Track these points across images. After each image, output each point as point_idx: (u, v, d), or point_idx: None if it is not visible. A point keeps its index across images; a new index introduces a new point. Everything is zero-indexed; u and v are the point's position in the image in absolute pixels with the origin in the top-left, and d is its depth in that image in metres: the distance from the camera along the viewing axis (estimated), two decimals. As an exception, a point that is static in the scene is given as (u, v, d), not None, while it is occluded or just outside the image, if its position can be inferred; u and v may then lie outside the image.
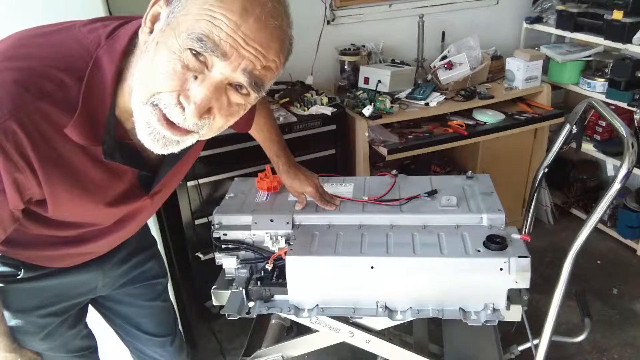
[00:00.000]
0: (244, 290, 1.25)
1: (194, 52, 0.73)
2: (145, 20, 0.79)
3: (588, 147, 2.80)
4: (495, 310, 1.17)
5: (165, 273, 1.42)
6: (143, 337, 1.38)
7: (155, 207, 1.11)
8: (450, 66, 2.57)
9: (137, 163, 0.93)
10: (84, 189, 0.89)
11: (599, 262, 2.68)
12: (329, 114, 2.25)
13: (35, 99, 0.78)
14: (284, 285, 1.21)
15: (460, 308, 1.18)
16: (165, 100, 0.76)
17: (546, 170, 1.59)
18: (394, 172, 1.50)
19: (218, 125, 0.82)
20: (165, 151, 0.82)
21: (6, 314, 1.08)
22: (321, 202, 1.35)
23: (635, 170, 2.12)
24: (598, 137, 2.80)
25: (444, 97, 2.49)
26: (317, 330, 1.36)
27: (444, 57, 2.62)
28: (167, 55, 0.74)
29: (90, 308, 1.32)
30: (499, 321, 1.16)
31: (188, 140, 0.82)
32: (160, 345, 1.41)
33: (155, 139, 0.80)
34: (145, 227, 1.35)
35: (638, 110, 2.44)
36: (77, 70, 0.80)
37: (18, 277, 1.06)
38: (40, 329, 1.14)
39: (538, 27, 2.93)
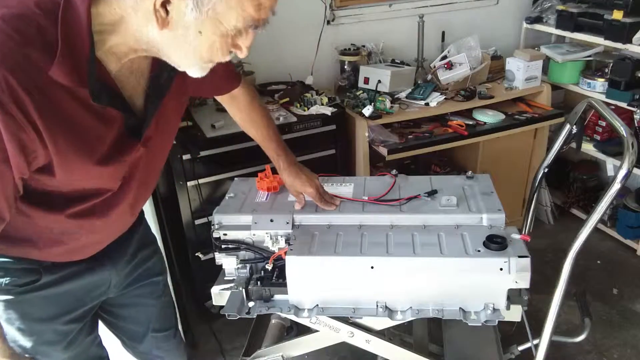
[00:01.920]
0: (244, 290, 1.25)
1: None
2: (155, 8, 0.80)
3: (588, 147, 2.80)
4: (495, 310, 1.17)
5: (166, 269, 1.43)
6: (149, 336, 1.38)
7: (153, 162, 1.10)
8: (450, 66, 2.57)
9: (124, 107, 0.94)
10: (82, 139, 0.89)
11: (599, 262, 2.68)
12: (329, 114, 2.25)
13: (20, 46, 0.78)
14: (284, 285, 1.21)
15: (460, 308, 1.18)
16: (221, 58, 0.90)
17: (546, 170, 1.59)
18: (394, 172, 1.50)
19: None
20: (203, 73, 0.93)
21: (28, 325, 1.09)
22: (321, 202, 1.35)
23: (635, 170, 2.12)
24: (598, 137, 2.80)
25: (444, 97, 2.49)
26: (317, 330, 1.36)
27: (444, 57, 2.62)
28: (219, 38, 0.85)
29: None
30: (499, 321, 1.16)
31: None
32: (164, 339, 1.42)
33: (202, 72, 0.92)
34: (146, 224, 1.35)
35: (638, 110, 2.44)
36: (51, 12, 0.80)
37: (39, 283, 1.06)
38: (63, 336, 1.15)
39: (538, 27, 2.93)
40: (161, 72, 0.97)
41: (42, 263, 1.07)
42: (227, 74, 1.27)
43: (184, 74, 0.94)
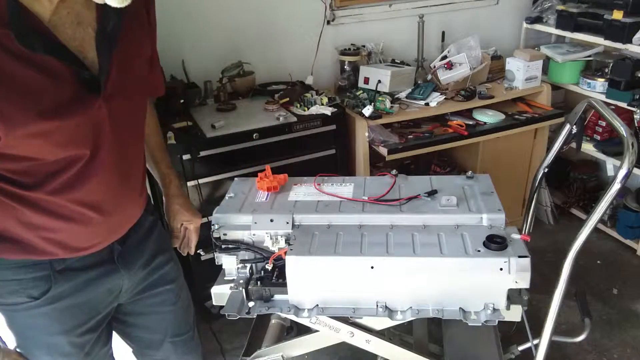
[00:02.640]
0: (244, 290, 1.25)
1: None
2: None
3: (588, 147, 2.80)
4: (495, 310, 1.17)
5: (181, 274, 1.38)
6: (167, 342, 1.35)
7: (125, 124, 1.03)
8: (450, 66, 2.57)
9: (67, 57, 0.89)
10: (17, 90, 0.84)
11: (599, 262, 2.68)
12: (329, 114, 2.25)
13: None
14: (284, 285, 1.21)
15: (460, 308, 1.18)
16: None
17: (546, 170, 1.59)
18: (394, 172, 1.50)
19: None
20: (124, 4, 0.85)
21: (45, 338, 1.08)
22: (195, 241, 1.36)
23: (635, 170, 2.13)
24: (598, 137, 2.80)
25: (444, 97, 2.49)
26: (317, 330, 1.36)
27: (444, 57, 2.62)
28: None
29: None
30: (499, 321, 1.16)
31: None
32: (183, 343, 1.39)
33: None
34: (162, 229, 1.31)
35: (638, 110, 2.44)
36: None
37: (53, 294, 1.05)
38: (80, 348, 1.14)
39: (538, 27, 2.93)
40: (107, 21, 0.93)
41: (54, 266, 1.04)
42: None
43: (135, 21, 0.95)
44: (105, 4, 0.86)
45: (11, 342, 1.10)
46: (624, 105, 2.51)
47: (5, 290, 1.03)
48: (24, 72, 0.84)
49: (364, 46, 2.65)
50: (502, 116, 2.53)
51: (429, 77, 2.63)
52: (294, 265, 1.18)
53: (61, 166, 0.96)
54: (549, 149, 1.58)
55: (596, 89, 2.65)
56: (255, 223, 1.30)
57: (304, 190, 1.43)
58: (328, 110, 2.26)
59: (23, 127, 0.87)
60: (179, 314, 1.36)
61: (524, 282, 1.14)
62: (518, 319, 1.24)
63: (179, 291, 1.36)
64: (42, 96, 0.87)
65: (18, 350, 1.11)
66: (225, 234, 1.31)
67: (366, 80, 2.51)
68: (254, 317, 1.28)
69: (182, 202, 1.34)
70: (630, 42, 2.41)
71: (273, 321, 1.69)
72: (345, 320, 1.32)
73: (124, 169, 1.08)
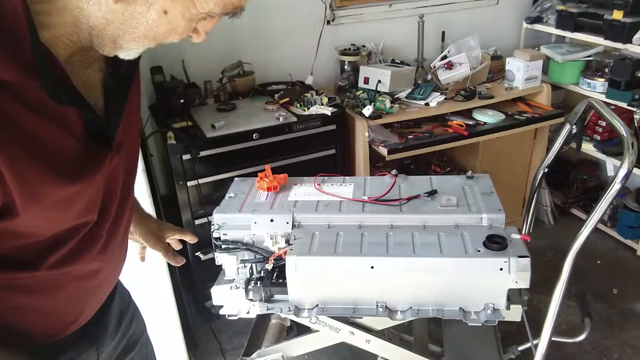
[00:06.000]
0: (244, 290, 1.25)
1: None
2: None
3: (588, 147, 2.80)
4: (495, 310, 1.17)
5: (145, 324, 1.24)
6: None
7: (128, 173, 0.93)
8: (450, 66, 2.57)
9: (85, 106, 0.75)
10: (39, 151, 0.70)
11: (599, 262, 2.68)
12: (329, 114, 2.25)
13: None
14: (284, 285, 1.21)
15: (460, 308, 1.18)
16: (172, 40, 0.76)
17: (546, 170, 1.59)
18: (394, 172, 1.50)
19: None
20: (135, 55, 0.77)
21: None
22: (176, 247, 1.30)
23: (635, 170, 2.12)
24: (598, 137, 2.80)
25: (444, 97, 2.49)
26: (317, 330, 1.36)
27: (444, 57, 2.62)
28: (185, 22, 0.72)
29: None
30: (499, 321, 1.16)
31: None
32: None
33: (138, 54, 0.77)
34: (119, 283, 1.12)
35: (638, 110, 2.44)
36: None
37: None
38: None
39: (538, 27, 2.93)
40: (121, 62, 0.79)
41: (31, 349, 0.85)
42: None
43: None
44: None
45: None
46: (624, 105, 2.51)
47: None
48: (44, 127, 0.70)
49: (364, 46, 2.65)
50: (502, 116, 2.53)
51: (429, 77, 2.63)
52: (294, 265, 1.18)
53: (62, 237, 0.81)
54: (549, 149, 1.59)
55: (596, 89, 2.66)
56: (255, 223, 1.29)
57: (304, 190, 1.43)
58: (328, 110, 2.26)
59: (46, 196, 0.72)
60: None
61: (524, 282, 1.14)
62: (518, 319, 1.24)
63: (147, 340, 1.25)
64: (63, 155, 0.73)
65: None
66: (225, 234, 1.31)
67: (366, 80, 2.51)
68: (254, 317, 1.28)
69: (155, 220, 1.29)
70: (630, 42, 2.42)
71: (273, 321, 1.69)
72: (345, 320, 1.32)
73: (123, 228, 0.96)
